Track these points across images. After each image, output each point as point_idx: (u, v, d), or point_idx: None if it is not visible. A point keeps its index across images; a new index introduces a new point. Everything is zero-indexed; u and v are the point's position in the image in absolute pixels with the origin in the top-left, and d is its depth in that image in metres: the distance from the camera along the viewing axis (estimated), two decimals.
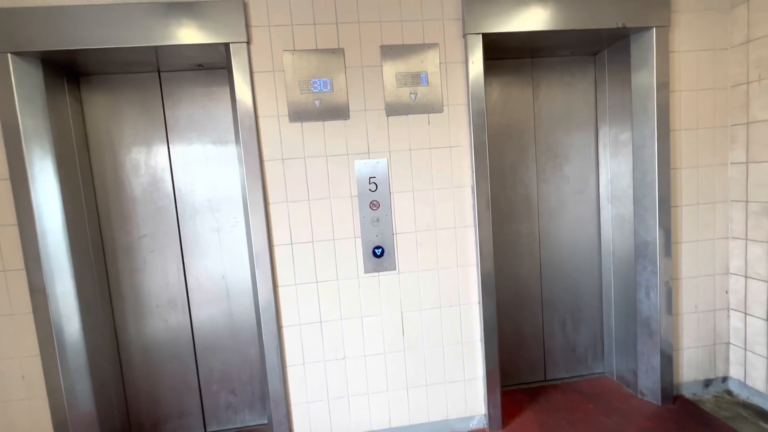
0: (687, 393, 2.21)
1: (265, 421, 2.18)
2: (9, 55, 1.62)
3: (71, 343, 1.78)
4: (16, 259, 1.71)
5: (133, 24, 1.66)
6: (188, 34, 1.69)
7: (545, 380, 2.45)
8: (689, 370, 2.20)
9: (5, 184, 1.68)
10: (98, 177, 2.00)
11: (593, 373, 2.48)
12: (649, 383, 2.15)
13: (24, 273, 1.71)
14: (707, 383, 2.22)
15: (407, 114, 1.87)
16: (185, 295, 2.09)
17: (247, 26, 1.74)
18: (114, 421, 1.98)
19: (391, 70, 1.84)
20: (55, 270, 1.73)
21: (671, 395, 2.13)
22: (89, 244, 1.93)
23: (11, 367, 1.76)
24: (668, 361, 2.10)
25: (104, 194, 2.01)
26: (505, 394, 2.30)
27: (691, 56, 2.03)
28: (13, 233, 1.70)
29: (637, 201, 2.12)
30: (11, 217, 1.69)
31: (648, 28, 1.95)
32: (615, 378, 2.40)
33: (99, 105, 1.98)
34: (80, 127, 1.94)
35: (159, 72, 2.00)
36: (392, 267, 1.92)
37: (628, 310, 2.25)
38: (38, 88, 1.71)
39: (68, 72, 1.89)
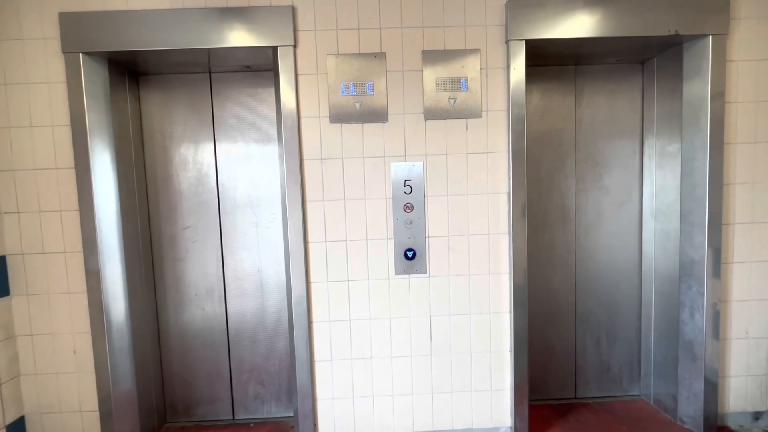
0: (733, 424, 2.06)
1: (291, 414, 2.23)
2: (80, 54, 1.77)
3: (117, 323, 1.90)
4: (75, 242, 1.85)
5: (189, 27, 1.77)
6: (239, 37, 1.79)
7: (575, 398, 2.35)
8: (736, 400, 2.06)
9: (70, 172, 1.83)
10: (150, 170, 2.13)
11: (628, 395, 2.36)
12: (690, 410, 2.03)
13: (81, 255, 1.85)
14: (757, 416, 2.06)
15: (445, 119, 1.88)
16: (222, 286, 2.18)
17: (295, 30, 1.81)
18: (151, 401, 2.09)
19: (431, 74, 1.86)
20: (107, 254, 1.86)
21: (715, 425, 1.99)
22: (138, 232, 2.06)
23: (65, 342, 1.90)
24: (713, 388, 1.98)
25: (154, 186, 2.14)
26: (532, 408, 2.23)
27: (750, 66, 1.92)
28: (74, 218, 1.84)
29: (684, 216, 2.02)
30: (73, 203, 1.84)
31: (703, 36, 1.87)
32: (652, 402, 2.28)
33: (154, 103, 2.12)
34: (137, 123, 2.09)
35: (210, 73, 2.12)
36: (423, 270, 1.92)
37: (669, 331, 2.13)
38: (103, 86, 1.85)
39: (130, 71, 2.04)
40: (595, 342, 2.34)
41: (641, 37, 1.84)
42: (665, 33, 1.83)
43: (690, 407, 2.03)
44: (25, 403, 1.92)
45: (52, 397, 1.92)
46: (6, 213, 1.84)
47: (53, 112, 1.82)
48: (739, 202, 1.97)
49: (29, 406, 1.92)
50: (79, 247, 1.85)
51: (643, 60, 2.21)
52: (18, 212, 1.84)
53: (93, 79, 1.81)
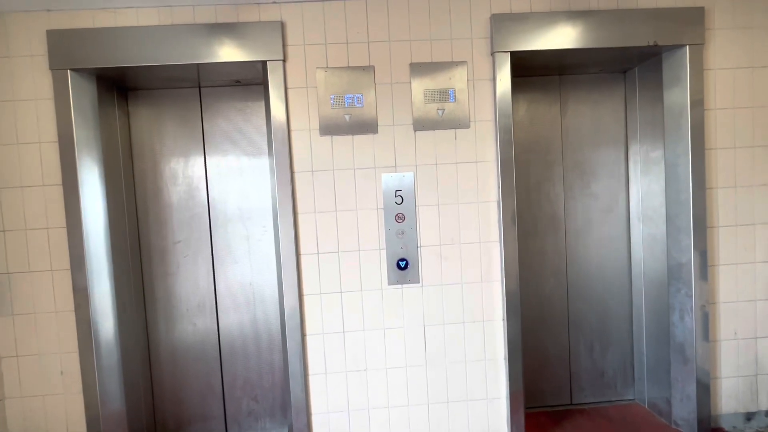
0: (726, 425, 2.08)
1: (285, 430, 2.19)
2: (68, 71, 1.76)
3: (106, 342, 1.86)
4: (63, 260, 1.82)
5: (178, 43, 1.78)
6: (229, 52, 1.80)
7: (571, 404, 2.36)
8: (728, 401, 2.08)
9: (57, 189, 1.81)
10: (139, 185, 2.12)
11: (622, 399, 2.37)
12: (684, 413, 2.04)
13: (69, 273, 1.82)
14: (749, 416, 2.08)
15: (434, 129, 1.91)
16: (214, 300, 2.16)
17: (284, 45, 1.83)
18: (141, 420, 2.04)
19: (419, 86, 1.89)
20: (95, 271, 1.83)
21: (709, 427, 2.01)
22: (128, 247, 2.04)
23: (52, 363, 1.85)
24: (705, 390, 2.00)
25: (144, 201, 2.12)
26: (528, 416, 2.22)
27: (727, 74, 1.98)
28: (61, 235, 1.82)
29: (670, 221, 2.06)
30: (61, 219, 1.81)
31: (681, 46, 1.93)
32: (646, 405, 2.29)
33: (144, 117, 2.11)
34: (126, 138, 2.08)
35: (199, 87, 2.12)
36: (416, 280, 1.93)
37: (660, 334, 2.16)
38: (92, 102, 1.85)
39: (118, 87, 2.03)
40: (589, 347, 2.36)
41: (621, 47, 1.90)
42: (644, 44, 1.89)
43: (684, 410, 2.04)
44: (9, 428, 1.86)
45: (39, 421, 1.86)
46: None
47: (40, 129, 1.80)
48: (723, 206, 2.01)
49: (14, 431, 1.86)
50: (67, 264, 1.82)
51: (624, 69, 2.27)
52: (3, 231, 1.81)
53: (81, 95, 1.81)
